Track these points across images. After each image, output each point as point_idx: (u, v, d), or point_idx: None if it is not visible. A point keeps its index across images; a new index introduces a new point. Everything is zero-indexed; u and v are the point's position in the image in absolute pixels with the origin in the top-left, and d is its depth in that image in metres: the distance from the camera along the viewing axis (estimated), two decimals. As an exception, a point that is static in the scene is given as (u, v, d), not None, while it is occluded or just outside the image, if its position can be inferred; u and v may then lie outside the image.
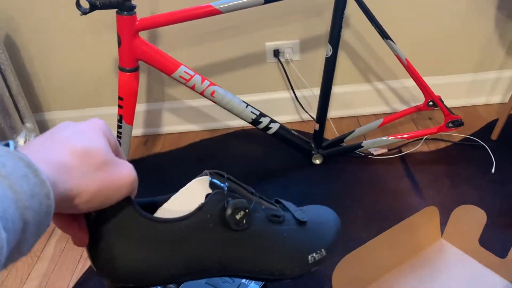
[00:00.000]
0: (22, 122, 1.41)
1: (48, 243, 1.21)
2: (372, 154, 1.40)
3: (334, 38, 1.21)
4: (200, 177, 0.45)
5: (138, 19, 1.08)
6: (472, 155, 1.36)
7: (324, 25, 1.47)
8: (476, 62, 1.56)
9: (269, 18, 1.45)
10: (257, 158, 1.46)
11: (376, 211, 1.18)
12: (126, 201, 0.40)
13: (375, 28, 1.22)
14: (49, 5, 1.41)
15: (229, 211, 0.42)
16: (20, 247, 0.29)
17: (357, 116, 1.63)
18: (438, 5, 1.44)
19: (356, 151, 1.40)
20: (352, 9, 1.42)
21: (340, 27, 1.19)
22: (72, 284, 1.08)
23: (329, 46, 1.22)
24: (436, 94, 1.32)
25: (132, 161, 1.49)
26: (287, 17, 1.45)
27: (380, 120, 1.39)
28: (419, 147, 1.42)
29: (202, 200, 0.43)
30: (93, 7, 1.03)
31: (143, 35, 1.41)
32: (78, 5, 1.03)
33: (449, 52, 1.53)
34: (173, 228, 0.41)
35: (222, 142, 1.57)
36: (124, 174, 0.38)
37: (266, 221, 0.47)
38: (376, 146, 1.38)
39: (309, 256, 0.50)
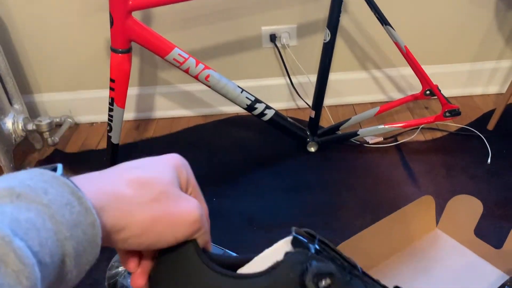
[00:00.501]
0: (11, 104, 1.37)
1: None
2: (368, 143, 1.38)
3: (333, 23, 1.18)
4: (287, 238, 0.38)
5: (131, -2, 1.05)
6: (468, 145, 1.35)
7: (322, 10, 1.44)
8: (474, 51, 1.54)
9: (266, 2, 1.42)
10: (251, 145, 1.43)
11: (371, 199, 1.17)
12: (190, 244, 0.35)
13: (374, 14, 1.19)
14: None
15: (309, 276, 0.34)
16: (62, 280, 0.27)
17: (353, 104, 1.61)
18: (438, -8, 1.41)
19: (352, 139, 1.38)
20: (351, -6, 1.40)
21: (339, 12, 1.17)
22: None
23: (327, 31, 1.19)
24: (434, 83, 1.30)
25: (124, 146, 1.46)
26: (285, 0, 1.42)
27: (377, 109, 1.38)
28: (415, 136, 1.40)
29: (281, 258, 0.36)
30: (84, -15, 0.99)
31: (137, 16, 1.38)
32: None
33: (447, 41, 1.51)
34: (240, 286, 0.35)
35: (216, 128, 1.55)
36: (185, 209, 0.34)
37: None
38: (371, 135, 1.37)
39: None
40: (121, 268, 0.96)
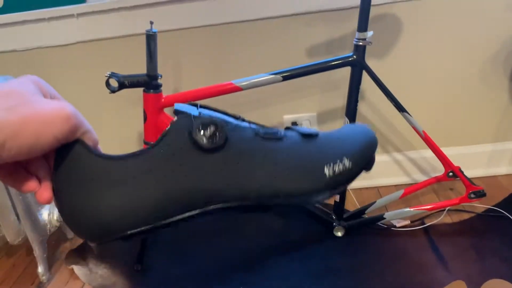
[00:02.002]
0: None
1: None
2: (395, 226, 1.38)
3: (351, 111, 1.24)
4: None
5: (164, 96, 1.14)
6: (497, 226, 1.33)
7: (340, 98, 1.52)
8: (493, 132, 1.56)
9: (287, 92, 1.51)
10: (276, 230, 1.44)
11: (400, 284, 1.14)
12: (77, 145, 0.35)
13: (390, 101, 1.25)
14: (79, 82, 1.50)
15: (196, 130, 0.36)
16: None
17: (377, 187, 1.63)
18: (451, 77, 1.48)
19: (379, 223, 1.38)
20: (367, 83, 1.47)
21: (356, 101, 1.23)
22: None
23: (346, 119, 1.25)
24: (456, 164, 1.32)
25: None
26: (305, 91, 1.51)
27: (401, 191, 1.39)
28: (442, 218, 1.39)
29: None
30: (121, 86, 1.10)
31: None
32: (107, 84, 1.10)
33: (465, 122, 1.55)
34: (134, 164, 0.36)
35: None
36: (56, 106, 0.34)
37: (257, 138, 0.39)
38: (398, 218, 1.37)
39: (325, 167, 0.40)
40: None
